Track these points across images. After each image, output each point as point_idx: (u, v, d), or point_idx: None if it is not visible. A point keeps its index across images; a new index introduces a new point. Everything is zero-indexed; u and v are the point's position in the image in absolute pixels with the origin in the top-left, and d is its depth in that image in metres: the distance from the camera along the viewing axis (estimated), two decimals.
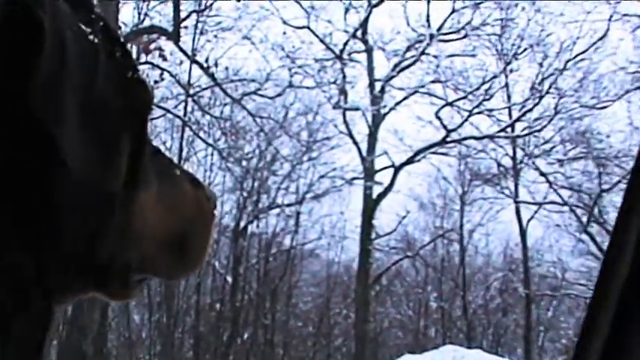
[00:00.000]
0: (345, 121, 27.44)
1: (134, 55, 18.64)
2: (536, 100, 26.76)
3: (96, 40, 1.29)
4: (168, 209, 1.55)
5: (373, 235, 28.19)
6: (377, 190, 27.12)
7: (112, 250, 1.38)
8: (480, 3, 25.76)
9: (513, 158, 29.65)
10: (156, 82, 23.57)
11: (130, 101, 1.38)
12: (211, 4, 22.97)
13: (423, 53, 26.13)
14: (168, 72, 22.56)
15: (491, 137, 27.52)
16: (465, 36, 26.21)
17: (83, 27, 1.28)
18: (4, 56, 1.16)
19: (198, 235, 1.62)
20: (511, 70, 27.03)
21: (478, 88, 26.81)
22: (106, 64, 1.31)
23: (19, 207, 1.21)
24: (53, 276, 1.26)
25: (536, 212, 30.88)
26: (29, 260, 1.21)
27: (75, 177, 1.24)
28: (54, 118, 1.17)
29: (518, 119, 27.48)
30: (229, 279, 31.45)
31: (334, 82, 26.31)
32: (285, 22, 25.31)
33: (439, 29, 25.99)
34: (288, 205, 32.13)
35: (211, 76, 21.41)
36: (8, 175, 1.21)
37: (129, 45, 19.42)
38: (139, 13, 23.28)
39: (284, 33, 25.40)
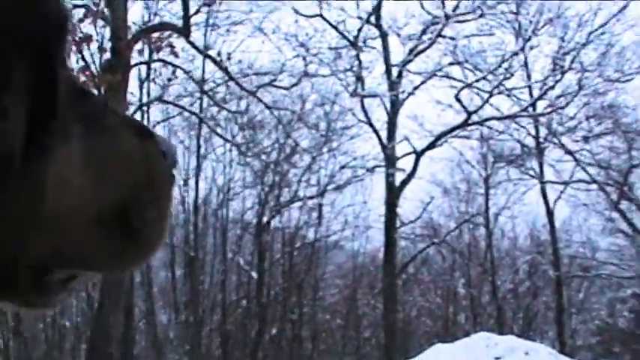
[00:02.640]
0: (363, 109, 27.05)
1: (146, 54, 18.65)
2: (558, 77, 26.25)
3: None
4: (100, 172, 1.09)
5: (398, 224, 27.87)
6: (399, 178, 26.74)
7: (14, 241, 0.97)
8: None
9: (536, 138, 29.19)
10: (169, 79, 23.50)
11: (27, 18, 0.98)
12: None
13: (439, 35, 25.73)
14: (181, 68, 22.41)
15: (513, 117, 27.06)
16: (481, 15, 25.70)
17: None
18: None
19: (150, 207, 1.15)
20: (530, 47, 26.54)
21: (497, 68, 26.36)
22: None
23: None
24: None
25: (562, 192, 30.54)
26: None
27: None
28: None
29: (539, 97, 27.01)
30: (254, 275, 31.21)
31: (350, 70, 26.01)
32: (297, 12, 25.03)
33: (454, 10, 25.55)
34: (310, 198, 31.85)
35: (225, 70, 21.07)
36: None
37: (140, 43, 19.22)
38: (149, 12, 23.10)
39: (296, 22, 25.11)
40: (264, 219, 31.35)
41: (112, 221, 1.09)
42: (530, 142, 29.41)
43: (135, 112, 22.53)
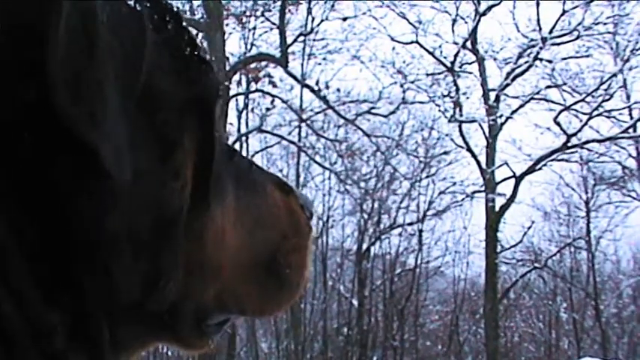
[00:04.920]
0: (461, 134, 26.90)
1: (244, 84, 18.96)
2: None
3: (137, 7, 0.99)
4: (253, 225, 1.24)
5: (498, 249, 27.56)
6: (499, 202, 26.48)
7: (179, 289, 1.07)
8: (590, 1, 24.98)
9: (638, 159, 28.59)
10: (268, 109, 23.79)
11: (191, 87, 1.07)
12: (317, 26, 22.96)
13: (536, 58, 25.48)
14: (280, 98, 22.66)
15: (613, 139, 26.55)
16: (578, 37, 25.39)
17: None
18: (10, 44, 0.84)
19: (295, 254, 1.30)
20: (630, 68, 26.07)
21: (596, 90, 25.91)
22: (155, 37, 1.01)
23: (44, 246, 0.88)
24: (99, 333, 0.95)
25: None
26: (60, 319, 0.88)
27: (122, 193, 0.93)
28: (87, 117, 0.84)
29: None
30: (355, 302, 31.22)
31: (448, 95, 25.92)
32: (393, 39, 25.16)
33: (550, 32, 25.30)
34: (410, 224, 31.82)
35: (323, 98, 21.28)
36: (25, 208, 0.87)
37: (237, 74, 19.53)
38: (245, 43, 23.50)
39: (393, 49, 25.24)
40: (364, 246, 31.40)
41: (263, 269, 1.24)
42: (631, 163, 28.86)
43: (234, 142, 22.85)
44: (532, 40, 25.56)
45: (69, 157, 0.88)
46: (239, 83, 21.38)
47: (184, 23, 1.11)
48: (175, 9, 1.10)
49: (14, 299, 0.84)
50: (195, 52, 1.10)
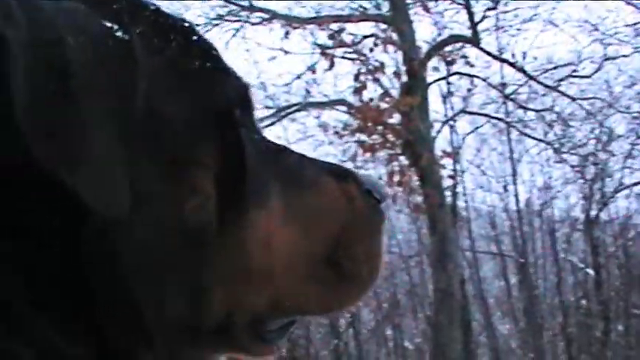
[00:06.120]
0: None
1: (443, 69, 18.75)
2: None
3: (126, 37, 0.97)
4: (305, 225, 1.16)
5: None
6: None
7: (229, 301, 1.06)
8: None
9: None
10: (469, 89, 23.40)
11: (203, 101, 1.06)
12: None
13: None
14: (479, 77, 22.21)
15: None
16: None
17: (108, 25, 0.97)
18: None
19: (358, 246, 1.20)
20: None
21: None
22: (154, 61, 1.00)
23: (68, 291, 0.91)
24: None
25: None
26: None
27: (129, 224, 0.93)
28: (63, 162, 0.86)
29: None
30: (591, 272, 30.13)
31: None
32: None
33: None
34: (636, 184, 30.30)
35: (522, 70, 20.73)
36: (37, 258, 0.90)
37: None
38: (437, 27, 23.15)
39: (585, 7, 24.29)
40: (592, 213, 30.26)
41: (323, 267, 1.16)
42: None
43: (441, 127, 22.70)
44: None
45: (64, 202, 0.90)
46: (436, 68, 20.97)
47: (195, 36, 1.10)
48: (182, 24, 1.10)
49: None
50: (208, 64, 1.08)
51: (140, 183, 0.93)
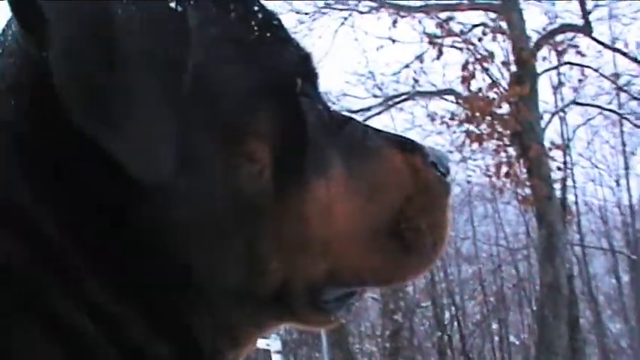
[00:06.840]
0: None
1: (554, 60, 18.40)
2: None
3: (179, 8, 0.97)
4: (368, 194, 1.16)
5: None
6: None
7: (286, 269, 1.06)
8: None
9: None
10: (580, 80, 22.88)
11: (260, 70, 1.07)
12: None
13: None
14: (590, 67, 21.64)
15: None
16: None
17: None
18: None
19: (421, 218, 1.17)
20: None
21: None
22: (204, 33, 1.01)
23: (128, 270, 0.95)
24: (212, 333, 1.01)
25: None
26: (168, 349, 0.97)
27: (176, 190, 0.94)
28: (105, 122, 0.87)
29: None
30: None
31: None
32: None
33: None
34: None
35: (636, 60, 20.20)
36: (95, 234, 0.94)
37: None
38: (548, 16, 22.73)
39: None
40: None
41: (384, 237, 1.15)
42: None
43: (551, 118, 22.27)
44: None
45: (94, 175, 0.92)
46: (546, 59, 20.56)
47: (256, 6, 1.11)
48: None
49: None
50: (268, 34, 1.08)
51: (192, 150, 0.94)
